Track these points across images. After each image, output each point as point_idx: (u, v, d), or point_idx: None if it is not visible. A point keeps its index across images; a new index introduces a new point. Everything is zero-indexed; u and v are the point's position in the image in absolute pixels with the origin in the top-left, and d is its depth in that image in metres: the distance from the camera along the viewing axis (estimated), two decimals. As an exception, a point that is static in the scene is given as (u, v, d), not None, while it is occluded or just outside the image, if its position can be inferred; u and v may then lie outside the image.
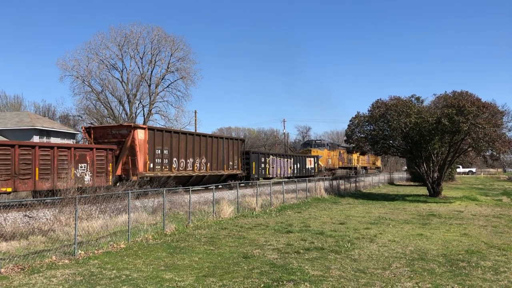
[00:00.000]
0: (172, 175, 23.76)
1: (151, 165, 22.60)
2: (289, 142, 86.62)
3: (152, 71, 54.41)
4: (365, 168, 61.36)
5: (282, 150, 64.40)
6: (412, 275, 8.95)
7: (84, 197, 14.46)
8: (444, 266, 9.83)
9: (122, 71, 53.58)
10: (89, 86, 51.58)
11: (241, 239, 13.09)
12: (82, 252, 10.82)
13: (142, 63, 54.26)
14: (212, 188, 19.27)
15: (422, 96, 31.89)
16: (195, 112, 59.30)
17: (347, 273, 9.05)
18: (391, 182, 52.11)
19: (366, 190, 38.72)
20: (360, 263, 10.04)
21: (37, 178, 16.80)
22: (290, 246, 11.95)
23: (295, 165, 40.13)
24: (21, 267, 9.32)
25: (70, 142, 39.68)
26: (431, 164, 31.02)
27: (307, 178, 31.08)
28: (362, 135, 32.38)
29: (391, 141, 32.28)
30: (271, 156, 35.78)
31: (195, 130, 56.56)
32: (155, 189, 19.19)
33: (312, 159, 43.91)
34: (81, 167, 18.76)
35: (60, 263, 9.85)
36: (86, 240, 12.21)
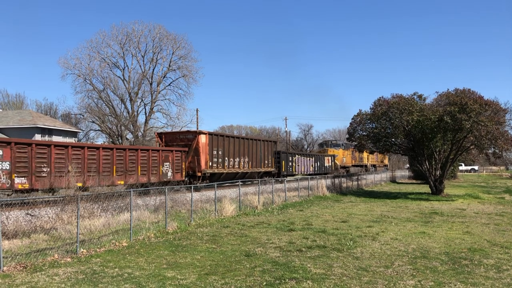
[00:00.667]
0: (224, 172, 28.56)
1: (210, 164, 27.22)
2: (291, 140, 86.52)
3: (153, 69, 54.41)
4: (374, 166, 64.56)
5: (284, 148, 64.71)
6: (414, 273, 8.93)
7: (86, 195, 14.48)
8: (446, 264, 9.81)
9: (123, 69, 53.63)
10: (90, 85, 51.62)
11: (243, 237, 13.08)
12: (84, 251, 10.84)
13: (143, 61, 54.28)
14: (214, 186, 19.26)
15: (425, 93, 31.92)
16: (197, 110, 59.34)
17: (349, 271, 9.04)
18: (393, 180, 52.06)
19: (368, 188, 38.69)
20: (362, 261, 10.02)
21: (139, 174, 22.11)
22: (292, 244, 11.94)
23: (316, 164, 44.74)
24: (23, 265, 9.33)
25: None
26: (434, 162, 30.98)
27: (308, 176, 31.10)
28: (364, 133, 32.34)
29: (393, 139, 32.22)
30: (296, 156, 40.44)
31: (197, 129, 56.93)
32: (157, 187, 19.39)
33: (329, 158, 48.76)
34: (165, 165, 24.07)
35: (62, 261, 9.86)
36: (88, 238, 12.22)
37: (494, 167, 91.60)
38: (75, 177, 17.83)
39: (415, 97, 30.37)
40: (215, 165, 27.61)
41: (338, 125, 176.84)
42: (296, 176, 36.30)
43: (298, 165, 40.00)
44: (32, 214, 14.51)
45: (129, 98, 52.97)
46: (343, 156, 52.86)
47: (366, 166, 59.90)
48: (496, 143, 27.17)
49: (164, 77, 54.95)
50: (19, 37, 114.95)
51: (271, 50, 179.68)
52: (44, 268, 9.23)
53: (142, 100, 53.88)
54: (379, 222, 16.51)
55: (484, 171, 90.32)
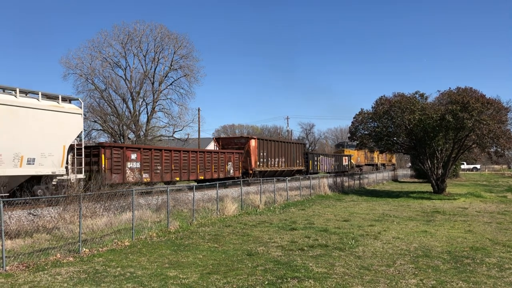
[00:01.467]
0: (268, 170, 34.16)
1: (258, 163, 33.01)
2: (293, 139, 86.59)
3: (155, 69, 54.34)
4: (383, 164, 69.48)
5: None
6: (416, 272, 8.93)
7: (88, 195, 14.51)
8: (448, 263, 9.81)
9: (125, 69, 53.56)
10: (92, 84, 51.58)
11: (245, 236, 13.10)
12: (87, 250, 10.86)
13: (145, 61, 54.19)
14: (216, 185, 19.27)
15: (426, 92, 31.76)
16: (199, 109, 59.35)
17: (351, 270, 9.04)
18: (395, 179, 52.03)
19: (370, 187, 38.67)
20: (364, 260, 10.02)
21: (212, 171, 27.91)
22: (294, 243, 11.95)
23: (336, 163, 50.46)
24: (26, 265, 9.36)
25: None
26: (435, 161, 30.95)
27: (310, 176, 31.19)
28: (366, 132, 32.35)
29: (395, 138, 32.21)
30: (320, 156, 46.88)
31: (199, 128, 57.41)
32: (158, 187, 19.54)
33: (346, 157, 54.53)
34: (229, 164, 29.84)
35: (64, 260, 9.88)
36: (90, 237, 12.25)
37: (496, 166, 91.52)
38: (175, 173, 24.44)
39: (417, 96, 30.35)
40: (261, 164, 33.45)
41: (340, 124, 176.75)
42: (319, 174, 42.07)
43: (322, 164, 46.19)
44: (34, 213, 14.55)
45: (131, 98, 52.96)
46: (358, 156, 58.59)
47: (376, 165, 65.24)
48: (498, 141, 27.15)
49: (165, 76, 54.91)
50: (20, 37, 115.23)
51: (273, 49, 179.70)
52: (46, 267, 9.25)
53: (144, 99, 53.85)
54: (381, 221, 16.51)
55: (486, 170, 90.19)
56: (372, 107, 31.23)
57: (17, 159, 15.80)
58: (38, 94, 16.99)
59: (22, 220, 13.74)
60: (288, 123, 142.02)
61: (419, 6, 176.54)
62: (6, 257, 9.31)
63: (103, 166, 19.77)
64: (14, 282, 8.14)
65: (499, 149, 28.73)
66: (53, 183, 17.44)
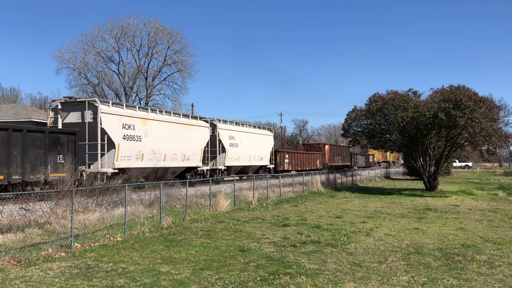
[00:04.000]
0: (334, 164, 50.86)
1: (331, 160, 50.75)
2: (286, 136, 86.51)
3: (149, 64, 54.25)
4: (393, 162, 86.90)
5: (279, 144, 65.96)
6: (408, 269, 8.98)
7: (81, 190, 14.45)
8: (439, 260, 9.87)
9: (118, 64, 53.42)
10: (85, 79, 51.42)
11: (238, 232, 13.11)
12: (79, 245, 10.82)
13: (138, 55, 54.06)
14: (209, 181, 19.27)
15: (419, 90, 31.79)
16: (192, 105, 59.32)
17: (343, 267, 9.08)
18: (387, 176, 52.27)
19: (362, 184, 38.82)
20: (356, 256, 10.07)
21: (308, 164, 42.86)
22: (286, 240, 11.98)
23: (366, 160, 70.56)
24: (17, 259, 9.31)
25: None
26: (428, 158, 31.10)
27: (303, 172, 31.26)
28: (359, 129, 32.40)
29: (388, 135, 32.34)
30: (358, 155, 66.17)
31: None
32: (152, 182, 19.45)
33: (371, 156, 74.35)
34: (317, 161, 46.55)
35: (56, 255, 9.85)
36: (82, 233, 12.20)
37: (487, 164, 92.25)
38: (296, 165, 41.26)
39: (410, 93, 30.44)
40: (331, 160, 50.53)
41: (333, 121, 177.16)
42: (356, 167, 59.99)
43: (359, 161, 65.15)
44: (26, 208, 14.48)
45: (124, 93, 52.82)
46: (378, 155, 77.96)
47: (388, 161, 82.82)
48: (490, 140, 27.31)
49: (159, 71, 54.84)
50: (13, 31, 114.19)
51: (268, 45, 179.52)
52: (38, 262, 9.22)
53: (137, 94, 53.79)
54: (373, 218, 16.58)
55: (478, 168, 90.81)
56: (365, 104, 31.29)
57: (182, 157, 25.24)
58: (188, 116, 27.31)
59: (14, 214, 13.69)
60: (281, 120, 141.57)
61: (413, 4, 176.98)
62: (-3, 251, 9.26)
63: (278, 161, 38.52)
64: (6, 277, 8.11)
65: (491, 147, 28.89)
66: (197, 171, 26.99)
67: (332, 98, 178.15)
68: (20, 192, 12.00)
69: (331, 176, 34.10)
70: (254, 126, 36.75)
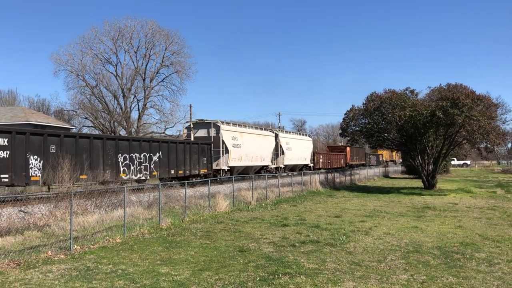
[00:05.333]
0: (354, 163, 57.92)
1: (351, 160, 57.32)
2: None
3: (146, 65, 54.10)
4: (401, 160, 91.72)
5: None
6: (407, 267, 9.00)
7: (79, 192, 14.43)
8: (439, 258, 9.89)
9: (116, 65, 53.28)
10: (83, 81, 51.27)
11: (237, 232, 13.11)
12: (78, 247, 10.81)
13: (136, 57, 53.93)
14: (208, 182, 19.26)
15: (417, 89, 31.90)
16: (190, 106, 59.02)
17: (342, 266, 9.10)
18: (386, 175, 52.34)
19: (361, 183, 38.85)
20: (355, 255, 10.08)
21: (336, 163, 51.24)
22: (285, 240, 11.99)
23: (378, 159, 75.97)
24: (16, 262, 9.29)
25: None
26: (426, 157, 31.15)
27: (302, 172, 31.31)
28: (357, 128, 32.49)
29: (386, 134, 32.39)
30: (371, 155, 71.48)
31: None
32: (151, 184, 19.46)
33: (380, 155, 79.86)
34: (342, 159, 54.13)
35: (56, 258, 9.84)
36: (81, 235, 12.18)
37: (486, 162, 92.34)
38: (329, 162, 48.10)
39: (408, 92, 30.50)
40: (351, 160, 57.33)
41: (331, 121, 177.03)
42: (370, 165, 65.87)
43: (371, 160, 71.00)
44: (25, 211, 14.45)
45: (122, 94, 52.69)
46: (386, 154, 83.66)
47: (394, 160, 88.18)
48: (488, 137, 27.38)
49: (157, 73, 54.70)
50: (11, 33, 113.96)
51: (266, 45, 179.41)
52: (37, 265, 9.21)
53: (135, 96, 53.64)
54: (372, 217, 16.61)
55: (476, 166, 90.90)
56: (363, 104, 31.36)
57: (260, 158, 34.39)
58: (262, 129, 37.94)
59: (13, 217, 13.65)
60: (280, 120, 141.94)
61: (411, 3, 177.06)
62: (-4, 254, 9.25)
63: (315, 161, 46.00)
64: (5, 280, 8.10)
65: (489, 145, 28.97)
66: (267, 169, 35.88)
67: (331, 98, 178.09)
68: (19, 195, 11.98)
69: (330, 176, 34.13)
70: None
